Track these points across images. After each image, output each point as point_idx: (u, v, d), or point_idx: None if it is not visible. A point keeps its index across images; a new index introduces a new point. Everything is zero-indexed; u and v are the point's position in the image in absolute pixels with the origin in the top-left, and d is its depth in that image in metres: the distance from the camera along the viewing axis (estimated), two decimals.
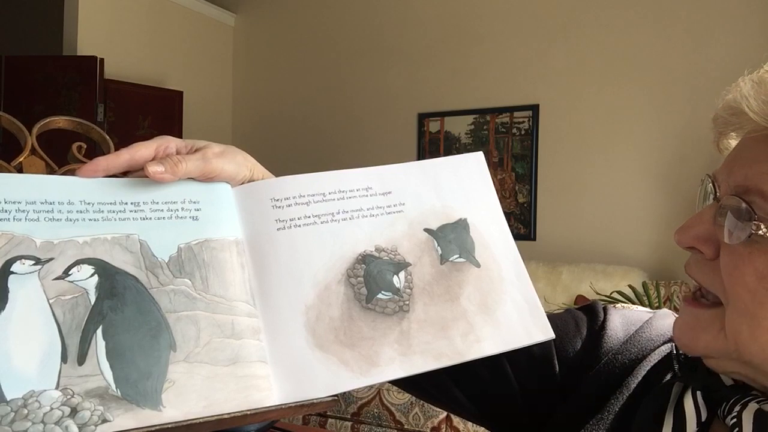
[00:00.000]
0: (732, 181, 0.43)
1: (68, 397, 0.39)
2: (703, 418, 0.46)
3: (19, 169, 0.47)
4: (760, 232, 0.39)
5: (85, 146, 0.50)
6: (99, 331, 0.42)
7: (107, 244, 0.45)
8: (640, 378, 0.53)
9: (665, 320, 0.58)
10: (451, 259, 0.56)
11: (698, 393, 0.47)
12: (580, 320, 0.61)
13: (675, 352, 0.53)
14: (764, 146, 0.42)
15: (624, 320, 0.59)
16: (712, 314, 0.44)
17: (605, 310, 0.61)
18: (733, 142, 0.47)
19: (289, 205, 0.52)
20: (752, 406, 0.43)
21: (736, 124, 0.45)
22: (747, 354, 0.42)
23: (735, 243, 0.41)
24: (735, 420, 0.43)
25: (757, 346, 0.41)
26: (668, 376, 0.51)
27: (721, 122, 0.46)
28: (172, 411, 0.41)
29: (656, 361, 0.54)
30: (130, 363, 0.41)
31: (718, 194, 0.45)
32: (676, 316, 0.58)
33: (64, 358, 0.40)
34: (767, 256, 0.40)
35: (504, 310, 0.55)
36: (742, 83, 0.43)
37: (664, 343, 0.56)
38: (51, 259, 0.42)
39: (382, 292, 0.52)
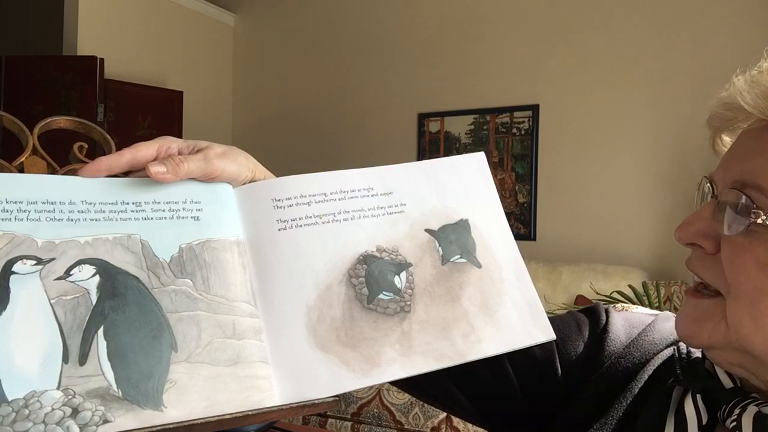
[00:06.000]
0: (729, 177, 0.44)
1: (69, 397, 0.39)
2: (704, 421, 0.46)
3: (21, 169, 0.47)
4: (759, 221, 0.40)
5: (87, 146, 0.50)
6: (100, 332, 0.42)
7: (109, 244, 0.45)
8: (643, 382, 0.53)
9: (667, 323, 0.58)
10: (452, 259, 0.56)
11: (698, 396, 0.47)
12: (582, 322, 0.61)
13: (678, 355, 0.53)
14: (757, 142, 0.43)
15: (626, 323, 0.59)
16: (714, 304, 0.44)
17: (607, 312, 0.61)
18: (729, 141, 0.49)
19: (290, 206, 0.52)
20: (751, 409, 0.43)
21: (732, 119, 0.46)
22: (750, 344, 0.42)
23: (735, 234, 0.42)
24: (735, 423, 0.43)
25: (760, 336, 0.41)
26: (671, 380, 0.51)
27: (716, 119, 0.48)
28: (173, 411, 0.41)
29: (659, 364, 0.54)
30: (131, 363, 0.41)
31: (715, 192, 0.46)
32: None
33: (65, 359, 0.40)
34: (767, 245, 0.40)
35: (505, 311, 0.55)
36: (736, 80, 0.44)
37: (667, 346, 0.56)
38: (52, 259, 0.42)
39: (384, 292, 0.52)
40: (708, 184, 0.47)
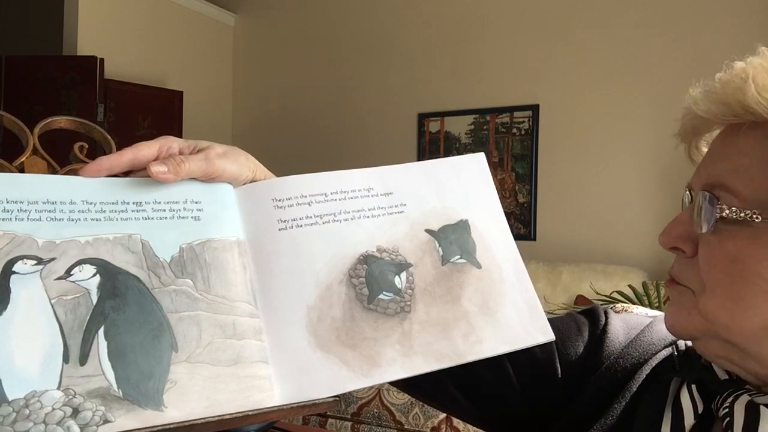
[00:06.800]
0: (701, 182, 0.47)
1: (70, 397, 0.39)
2: (700, 411, 0.48)
3: (21, 169, 0.47)
4: (724, 214, 0.43)
5: (87, 146, 0.50)
6: (101, 332, 0.42)
7: (109, 244, 0.45)
8: (641, 381, 0.54)
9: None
10: (452, 260, 0.56)
11: (693, 386, 0.49)
12: (582, 323, 0.61)
13: (675, 351, 0.53)
14: (722, 146, 0.46)
15: (625, 324, 0.60)
16: (686, 292, 0.47)
17: (606, 313, 0.62)
18: (704, 150, 0.52)
19: (290, 206, 0.52)
20: (744, 398, 0.44)
21: (697, 127, 0.50)
22: (727, 334, 0.44)
23: (708, 234, 0.44)
24: (726, 411, 0.45)
25: (736, 327, 0.43)
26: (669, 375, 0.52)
27: (683, 131, 0.52)
28: (174, 411, 0.41)
29: (657, 363, 0.55)
30: (131, 363, 0.42)
31: (692, 198, 0.49)
32: None
33: (65, 359, 0.40)
34: (735, 240, 0.43)
35: (504, 312, 0.55)
36: (692, 91, 0.48)
37: (665, 347, 0.56)
38: (53, 258, 0.42)
39: (384, 292, 0.52)
40: (687, 192, 0.50)
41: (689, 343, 0.54)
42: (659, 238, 0.49)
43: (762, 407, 0.43)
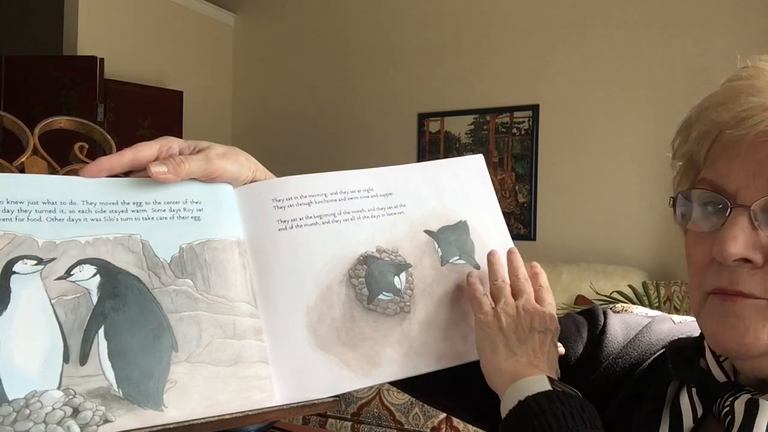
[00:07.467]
0: (758, 184, 0.42)
1: (70, 397, 0.39)
2: (699, 414, 0.47)
3: (21, 169, 0.47)
4: None
5: (87, 146, 0.50)
6: (101, 332, 0.42)
7: (109, 244, 0.45)
8: (639, 382, 0.54)
9: (663, 325, 0.59)
10: (451, 260, 0.56)
11: (693, 390, 0.48)
12: (581, 324, 0.62)
13: (669, 352, 0.53)
14: None
15: (624, 324, 0.60)
16: (759, 305, 0.43)
17: (605, 314, 0.62)
18: (713, 152, 0.47)
19: (290, 206, 0.52)
20: (744, 396, 0.44)
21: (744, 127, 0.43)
22: None
23: None
24: (728, 410, 0.44)
25: None
26: (666, 374, 0.52)
27: (706, 127, 0.46)
28: (174, 411, 0.41)
29: (656, 365, 0.55)
30: (131, 363, 0.42)
31: (735, 203, 0.43)
32: (674, 320, 0.59)
33: (66, 359, 0.40)
34: None
35: None
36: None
37: (663, 347, 0.56)
38: (53, 259, 0.42)
39: (384, 293, 0.52)
40: (719, 196, 0.44)
41: (685, 344, 0.54)
42: (723, 252, 0.42)
43: (761, 401, 0.43)
